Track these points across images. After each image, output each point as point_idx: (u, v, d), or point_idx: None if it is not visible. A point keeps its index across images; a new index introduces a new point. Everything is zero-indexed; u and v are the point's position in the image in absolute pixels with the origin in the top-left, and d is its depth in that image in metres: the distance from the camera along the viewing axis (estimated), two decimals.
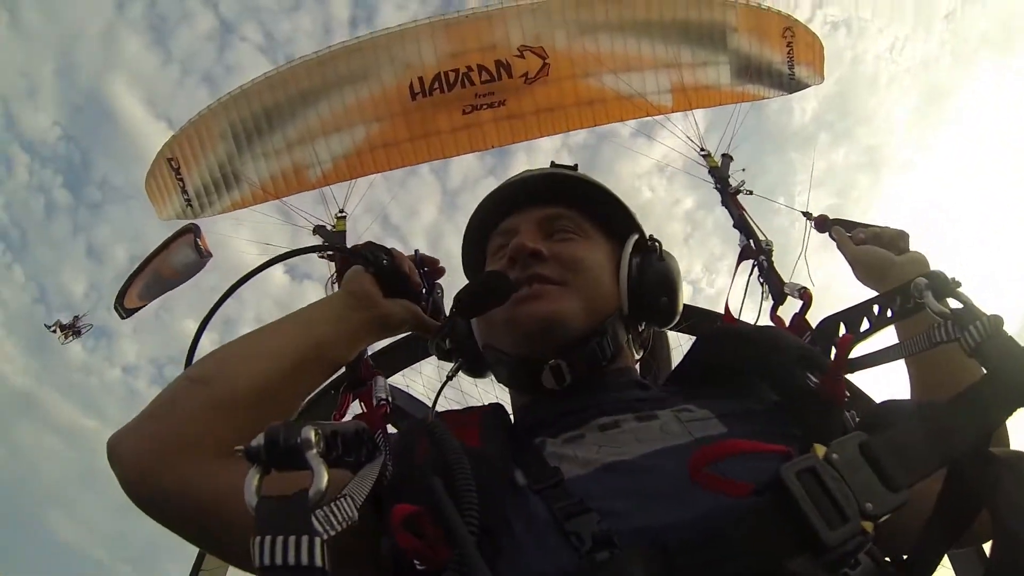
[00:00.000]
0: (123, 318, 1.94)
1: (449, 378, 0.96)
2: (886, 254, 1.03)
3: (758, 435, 0.55)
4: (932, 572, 0.53)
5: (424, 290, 0.94)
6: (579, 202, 0.90)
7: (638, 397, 0.83)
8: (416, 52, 2.48)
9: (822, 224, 1.42)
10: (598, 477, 0.64)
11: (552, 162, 0.99)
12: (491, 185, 0.97)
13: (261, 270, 0.93)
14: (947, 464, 0.48)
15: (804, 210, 1.89)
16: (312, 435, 0.49)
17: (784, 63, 3.02)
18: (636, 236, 0.93)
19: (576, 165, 0.96)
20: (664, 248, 0.95)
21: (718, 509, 0.47)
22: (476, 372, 0.97)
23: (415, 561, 0.53)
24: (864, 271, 1.08)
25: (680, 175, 2.44)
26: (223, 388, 0.70)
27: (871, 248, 1.07)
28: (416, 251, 0.96)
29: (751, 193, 2.38)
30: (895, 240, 1.07)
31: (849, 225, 1.29)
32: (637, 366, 0.98)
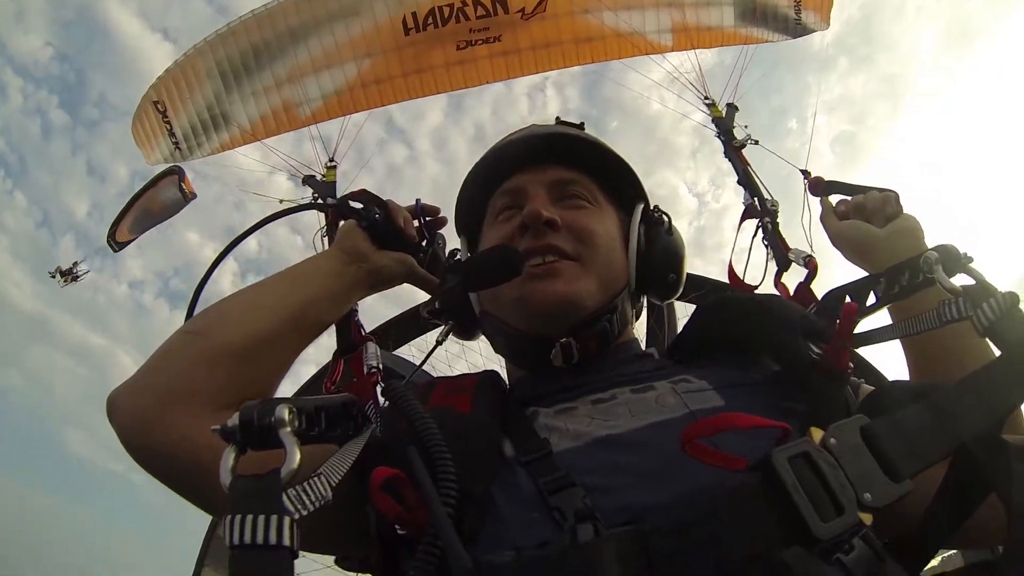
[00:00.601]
0: (115, 251, 2.04)
1: (439, 342, 0.93)
2: (868, 230, 0.95)
3: (757, 409, 0.51)
4: (931, 558, 0.51)
5: (426, 241, 0.94)
6: (588, 166, 0.84)
7: (638, 370, 0.77)
8: None
9: (815, 187, 1.26)
10: (588, 451, 0.62)
11: (557, 118, 0.93)
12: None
13: (254, 231, 0.93)
14: (954, 451, 0.44)
15: (803, 168, 1.71)
16: (286, 414, 0.51)
17: (790, 7, 2.93)
18: (642, 205, 0.88)
19: (583, 124, 0.90)
20: (670, 219, 0.89)
21: (704, 490, 0.44)
22: (467, 335, 0.92)
23: (396, 526, 0.52)
24: (847, 249, 0.99)
25: (690, 91, 2.31)
26: (218, 341, 0.70)
27: (853, 223, 0.98)
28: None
29: (756, 143, 2.25)
30: (880, 207, 0.97)
31: (847, 189, 1.15)
32: (638, 336, 0.91)
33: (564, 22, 2.46)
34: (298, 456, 0.48)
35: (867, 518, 0.38)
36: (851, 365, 0.61)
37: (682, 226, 0.97)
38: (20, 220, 66.13)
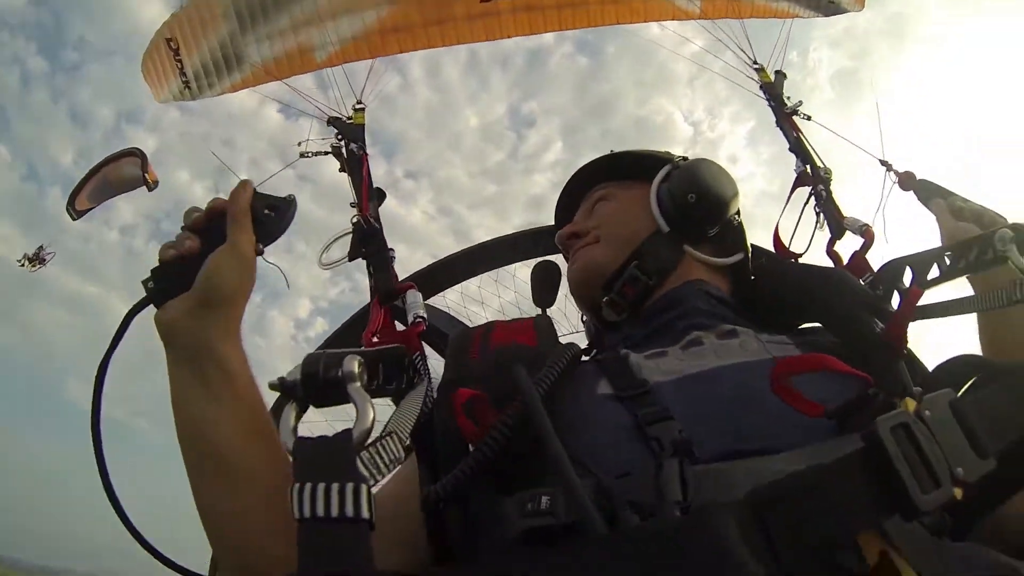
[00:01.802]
0: (73, 219, 2.01)
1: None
2: None
3: None
4: (983, 519, 0.51)
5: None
6: (612, 174, 1.07)
7: (709, 311, 0.85)
8: None
9: (906, 181, 1.46)
10: (681, 386, 0.66)
11: (613, 150, 1.14)
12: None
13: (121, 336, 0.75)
14: None
15: (882, 159, 1.69)
16: (355, 366, 0.46)
17: None
18: (668, 168, 1.00)
19: (612, 150, 1.12)
20: (699, 157, 1.01)
21: (798, 434, 0.47)
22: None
23: (469, 445, 0.52)
24: None
25: (736, 55, 2.26)
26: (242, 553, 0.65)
27: (970, 227, 1.02)
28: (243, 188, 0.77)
29: (809, 118, 2.17)
30: (994, 223, 1.02)
31: (935, 189, 1.31)
32: (717, 278, 0.96)
33: None
34: (371, 414, 0.44)
35: (958, 492, 0.39)
36: (907, 345, 0.63)
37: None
38: (5, 175, 66.73)
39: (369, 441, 0.43)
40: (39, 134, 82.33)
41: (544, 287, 1.06)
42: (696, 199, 0.91)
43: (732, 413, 0.59)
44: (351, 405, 0.48)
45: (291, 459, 0.41)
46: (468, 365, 0.67)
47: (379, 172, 2.08)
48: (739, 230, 1.00)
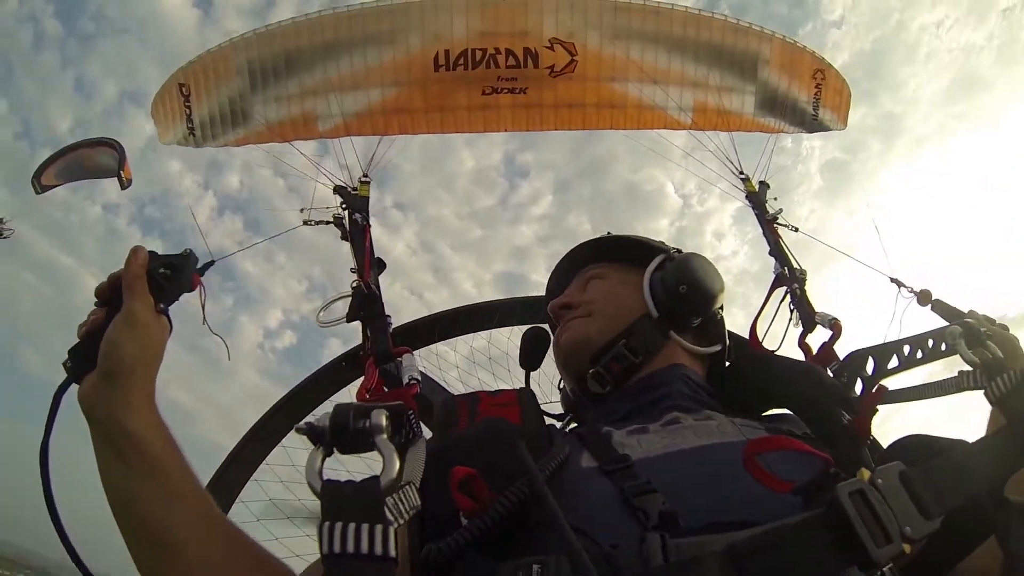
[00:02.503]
0: (37, 193, 1.93)
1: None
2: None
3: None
4: None
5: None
6: (607, 255, 1.11)
7: (689, 394, 0.89)
8: (448, 24, 2.46)
9: (924, 300, 1.60)
10: (662, 462, 0.70)
11: (609, 232, 1.19)
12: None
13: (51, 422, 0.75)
14: (969, 500, 0.51)
15: (893, 277, 1.85)
16: (383, 420, 0.50)
17: (809, 103, 3.02)
18: (662, 257, 1.06)
19: (609, 232, 1.18)
20: (692, 252, 1.06)
21: (771, 508, 0.52)
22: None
23: (464, 520, 0.55)
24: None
25: (722, 164, 2.41)
26: None
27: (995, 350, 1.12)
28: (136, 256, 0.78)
29: (796, 229, 2.31)
30: (1015, 353, 1.06)
31: (952, 310, 1.45)
32: (696, 365, 1.02)
33: (590, 86, 2.53)
34: (397, 464, 0.48)
35: (907, 548, 0.45)
36: (871, 434, 0.71)
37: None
38: None
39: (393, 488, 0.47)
40: (41, 95, 79.36)
41: (533, 351, 1.12)
42: (687, 291, 0.97)
43: (711, 488, 0.62)
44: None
45: (318, 499, 0.45)
46: (456, 436, 0.72)
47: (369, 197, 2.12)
48: (720, 323, 1.06)
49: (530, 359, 1.13)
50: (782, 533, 0.45)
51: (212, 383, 50.04)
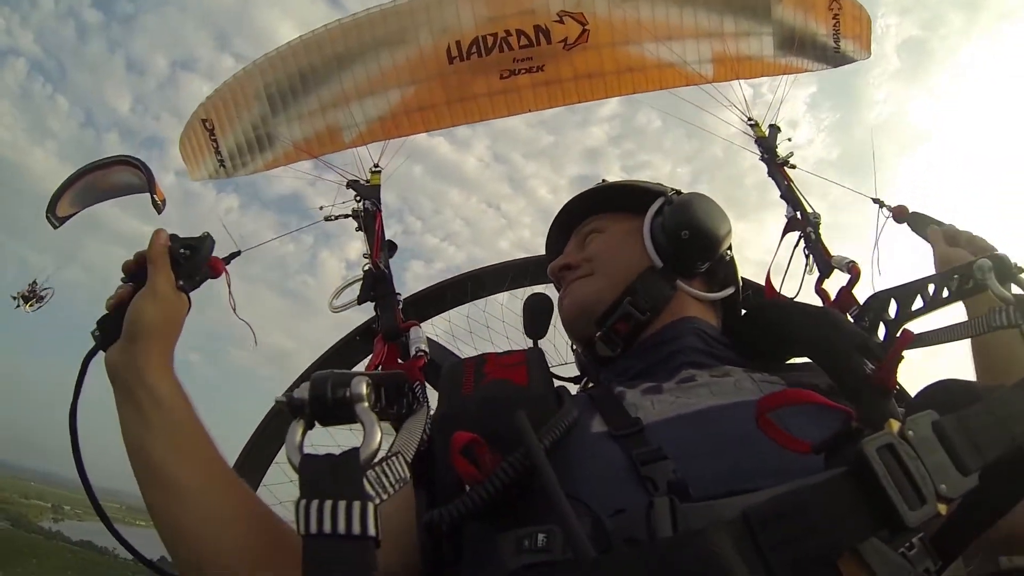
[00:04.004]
0: (55, 228, 1.81)
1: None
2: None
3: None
4: (962, 551, 0.52)
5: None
6: (604, 205, 1.06)
7: (703, 349, 0.84)
8: (455, 16, 2.44)
9: (900, 215, 1.52)
10: (675, 425, 0.67)
11: (603, 180, 1.15)
12: None
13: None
14: (1011, 450, 0.45)
15: (875, 196, 1.77)
16: (364, 388, 0.47)
17: (829, 36, 2.92)
18: (660, 201, 1.01)
19: (604, 179, 1.14)
20: (693, 191, 1.01)
21: (788, 471, 0.47)
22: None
23: (467, 486, 0.53)
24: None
25: (730, 111, 2.37)
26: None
27: (963, 253, 1.06)
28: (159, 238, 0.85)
29: (794, 167, 2.26)
30: (985, 249, 1.05)
31: (928, 220, 1.35)
32: (708, 314, 0.98)
33: (605, 52, 2.48)
34: (378, 434, 0.45)
35: (943, 509, 0.40)
36: (899, 383, 0.65)
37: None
38: (64, 123, 67.19)
39: (376, 460, 0.44)
40: (96, 83, 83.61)
41: (536, 319, 1.09)
42: (690, 236, 0.91)
43: (727, 452, 0.59)
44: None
45: (297, 475, 0.42)
46: (460, 401, 0.69)
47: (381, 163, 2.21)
48: (731, 265, 1.00)
49: (534, 328, 1.10)
50: (801, 497, 0.40)
51: (304, 322, 50.48)
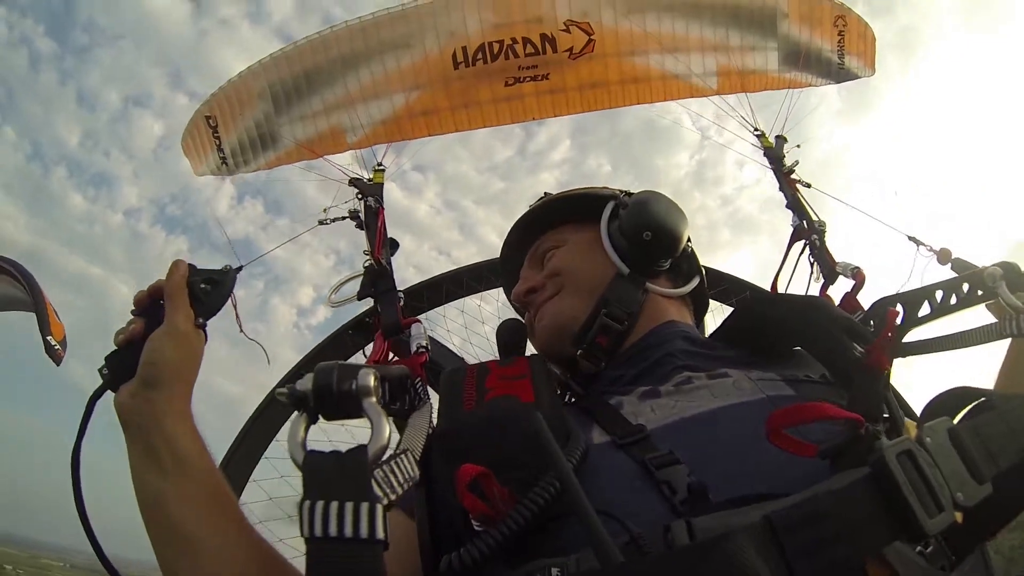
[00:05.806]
0: None
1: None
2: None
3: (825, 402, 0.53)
4: (973, 551, 0.51)
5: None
6: (554, 219, 1.03)
7: (695, 351, 0.83)
8: (461, 22, 2.44)
9: (945, 257, 1.54)
10: (680, 429, 0.65)
11: (544, 194, 1.12)
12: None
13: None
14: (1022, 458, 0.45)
15: (911, 235, 1.75)
16: (371, 380, 0.44)
17: (834, 52, 2.93)
18: (612, 205, 0.99)
19: (546, 193, 1.10)
20: (644, 190, 0.99)
21: (796, 475, 0.46)
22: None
23: (475, 522, 0.51)
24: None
25: (737, 122, 2.40)
26: None
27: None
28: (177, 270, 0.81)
29: (809, 186, 2.25)
30: None
31: (966, 265, 1.38)
32: (684, 312, 0.97)
33: (611, 62, 2.49)
34: (387, 431, 0.42)
35: (959, 517, 0.40)
36: (891, 367, 0.63)
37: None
38: (10, 155, 66.72)
39: (384, 458, 0.42)
40: (46, 115, 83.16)
41: (510, 347, 0.95)
42: (652, 236, 0.90)
43: (736, 456, 0.58)
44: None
45: (300, 473, 0.40)
46: (463, 417, 0.65)
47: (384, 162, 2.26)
48: (692, 257, 0.99)
49: (511, 353, 0.98)
50: (824, 503, 0.39)
51: (255, 368, 52.32)
